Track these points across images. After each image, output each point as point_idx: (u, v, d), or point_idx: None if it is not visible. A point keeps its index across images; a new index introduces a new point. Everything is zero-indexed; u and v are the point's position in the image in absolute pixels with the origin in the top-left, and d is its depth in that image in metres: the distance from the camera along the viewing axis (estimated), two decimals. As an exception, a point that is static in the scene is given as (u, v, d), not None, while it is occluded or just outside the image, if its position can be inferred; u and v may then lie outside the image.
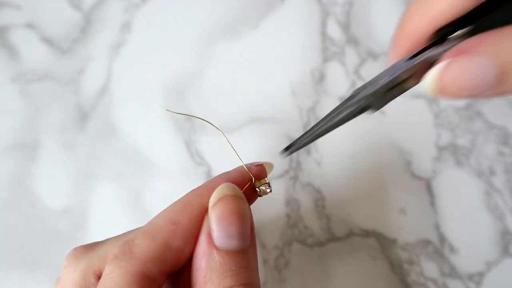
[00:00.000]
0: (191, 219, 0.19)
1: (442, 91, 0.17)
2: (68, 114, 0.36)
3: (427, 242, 0.33)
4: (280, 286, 0.33)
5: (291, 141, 0.20)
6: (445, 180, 0.34)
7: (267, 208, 0.34)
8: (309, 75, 0.36)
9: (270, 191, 0.22)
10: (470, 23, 0.17)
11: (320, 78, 0.36)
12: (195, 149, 0.35)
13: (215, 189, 0.20)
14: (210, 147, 0.35)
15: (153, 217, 0.20)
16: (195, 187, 0.21)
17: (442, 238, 0.33)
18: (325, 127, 0.19)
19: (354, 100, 0.19)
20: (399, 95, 0.18)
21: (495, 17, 0.16)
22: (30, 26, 0.38)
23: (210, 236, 0.19)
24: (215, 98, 0.36)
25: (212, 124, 0.23)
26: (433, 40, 0.18)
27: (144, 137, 0.36)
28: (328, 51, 0.37)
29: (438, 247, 0.33)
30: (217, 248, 0.18)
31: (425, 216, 0.34)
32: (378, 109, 0.18)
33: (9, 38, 0.38)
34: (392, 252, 0.33)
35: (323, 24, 0.37)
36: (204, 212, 0.20)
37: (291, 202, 0.34)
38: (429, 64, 0.17)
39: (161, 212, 0.20)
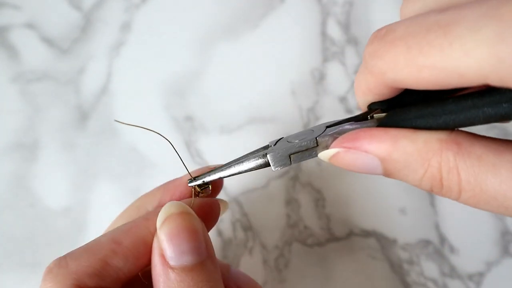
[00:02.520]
0: (134, 241, 0.19)
1: (333, 164, 0.19)
2: (68, 114, 0.36)
3: (427, 242, 0.33)
4: (280, 286, 0.33)
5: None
6: (445, 180, 0.34)
7: (267, 208, 0.34)
8: (309, 75, 0.36)
9: (210, 190, 0.23)
10: (394, 107, 0.18)
11: (320, 78, 0.36)
12: (195, 149, 0.35)
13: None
14: (210, 147, 0.35)
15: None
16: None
17: (442, 238, 0.33)
18: (230, 170, 0.21)
19: (261, 153, 0.20)
20: (307, 159, 0.20)
21: (403, 113, 0.17)
22: (30, 26, 0.38)
23: (163, 257, 0.19)
24: (215, 98, 0.36)
25: (162, 136, 0.24)
26: (358, 114, 0.19)
27: (144, 137, 0.36)
28: (328, 51, 0.37)
29: (438, 247, 0.33)
30: (171, 267, 0.18)
31: (425, 216, 0.34)
32: (281, 167, 0.20)
33: (9, 38, 0.38)
34: (392, 252, 0.33)
35: (323, 24, 0.37)
36: (149, 235, 0.20)
37: (291, 202, 0.34)
38: (335, 138, 0.19)
39: (106, 231, 0.20)
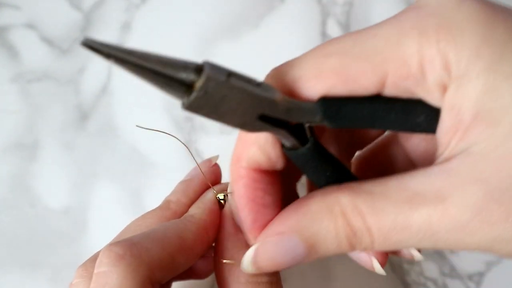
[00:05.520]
0: (196, 239, 0.20)
1: (260, 269, 0.18)
2: (68, 114, 0.36)
3: (427, 242, 0.33)
4: (280, 286, 0.33)
5: None
6: (445, 180, 0.34)
7: (267, 208, 0.34)
8: (309, 75, 0.36)
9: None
10: None
11: (320, 78, 0.36)
12: (195, 149, 0.35)
13: (212, 215, 0.22)
14: (210, 147, 0.35)
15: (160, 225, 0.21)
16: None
17: (442, 238, 0.33)
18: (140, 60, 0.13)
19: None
20: (245, 87, 0.15)
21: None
22: (30, 26, 0.38)
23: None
24: (215, 98, 0.36)
25: (177, 138, 0.24)
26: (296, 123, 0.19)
27: (144, 137, 0.36)
28: (328, 51, 0.37)
29: (438, 247, 0.33)
30: None
31: (425, 216, 0.34)
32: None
33: (9, 38, 0.38)
34: (392, 252, 0.33)
35: (323, 24, 0.37)
36: (206, 235, 0.21)
37: (291, 202, 0.34)
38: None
39: (168, 225, 0.20)
